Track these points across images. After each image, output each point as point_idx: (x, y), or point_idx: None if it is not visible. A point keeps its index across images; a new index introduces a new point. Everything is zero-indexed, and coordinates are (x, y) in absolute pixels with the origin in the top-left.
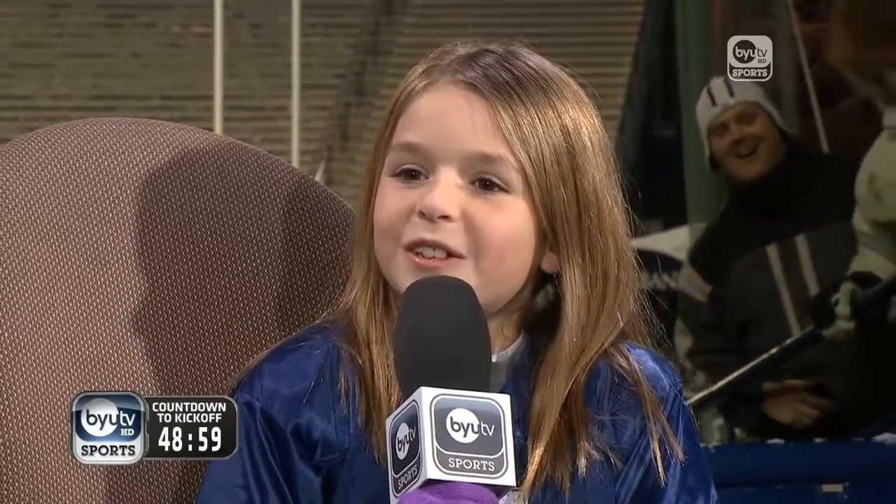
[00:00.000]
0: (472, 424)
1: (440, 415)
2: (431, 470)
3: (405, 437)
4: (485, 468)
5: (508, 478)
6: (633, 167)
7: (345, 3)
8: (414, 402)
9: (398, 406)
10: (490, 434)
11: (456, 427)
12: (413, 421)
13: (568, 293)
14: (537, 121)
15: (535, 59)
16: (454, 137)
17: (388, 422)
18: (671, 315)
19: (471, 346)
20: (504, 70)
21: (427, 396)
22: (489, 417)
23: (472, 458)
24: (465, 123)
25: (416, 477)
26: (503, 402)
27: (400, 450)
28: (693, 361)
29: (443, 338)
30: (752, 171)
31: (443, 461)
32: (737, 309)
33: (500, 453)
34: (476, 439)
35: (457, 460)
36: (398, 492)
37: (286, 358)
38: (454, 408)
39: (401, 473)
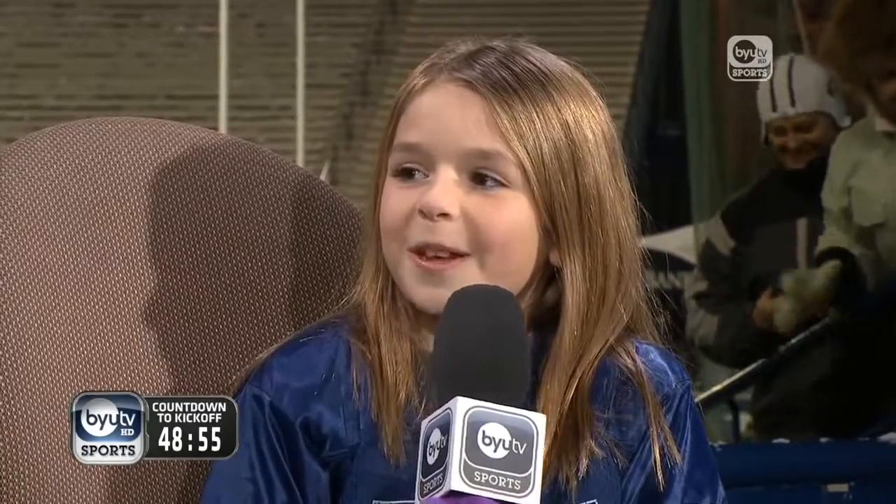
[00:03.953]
0: (503, 440)
1: (473, 427)
2: (456, 481)
3: (437, 443)
4: (510, 486)
5: (533, 499)
6: (637, 166)
7: (350, 2)
8: (448, 410)
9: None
10: (521, 452)
11: (487, 441)
12: (446, 428)
13: (568, 287)
14: (535, 116)
15: (537, 55)
16: (451, 135)
17: (423, 425)
18: (678, 314)
19: (510, 357)
20: (503, 67)
21: (462, 407)
22: (522, 435)
23: (498, 475)
24: (461, 120)
25: (440, 485)
26: (539, 421)
27: (430, 455)
28: (699, 303)
29: (483, 348)
30: (800, 162)
31: (469, 474)
32: (755, 268)
33: (528, 472)
34: (506, 456)
35: (483, 475)
36: (422, 496)
37: (296, 352)
38: (488, 421)
39: (428, 478)
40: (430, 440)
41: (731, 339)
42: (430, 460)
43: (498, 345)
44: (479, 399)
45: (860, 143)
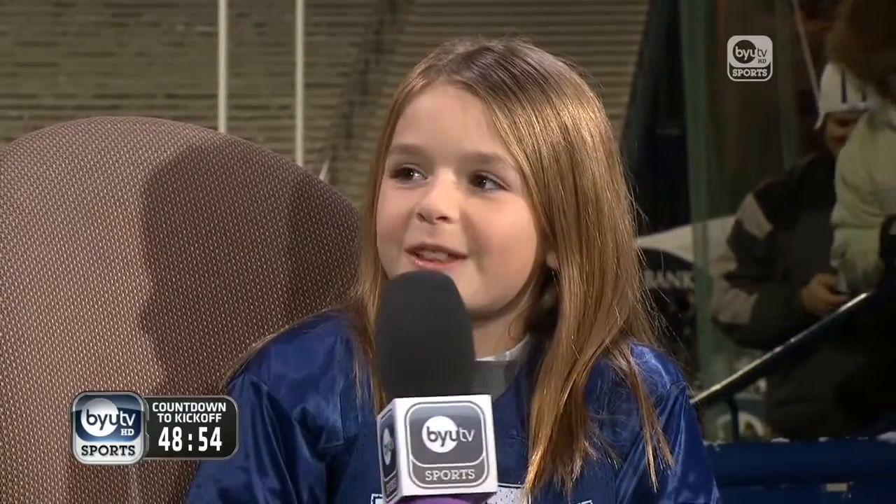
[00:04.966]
0: (450, 432)
1: (416, 426)
2: (407, 486)
3: (388, 444)
4: (464, 477)
5: (489, 484)
6: (637, 166)
7: (349, 1)
8: (391, 412)
9: None
10: (470, 439)
11: (433, 437)
12: (392, 429)
13: (566, 290)
14: (534, 119)
15: (534, 56)
16: (451, 138)
17: (378, 422)
18: (679, 314)
19: (449, 345)
20: (501, 69)
21: (401, 408)
22: (468, 422)
23: (450, 469)
24: (461, 124)
25: (395, 490)
26: (483, 403)
27: (385, 455)
28: (730, 281)
29: (419, 338)
30: None
31: (419, 475)
32: (793, 255)
33: (480, 459)
34: (455, 447)
35: (434, 472)
36: (388, 496)
37: (295, 341)
38: (431, 416)
39: (387, 479)
40: (384, 440)
41: (772, 317)
42: (387, 461)
43: (436, 334)
44: (421, 391)
45: (872, 135)
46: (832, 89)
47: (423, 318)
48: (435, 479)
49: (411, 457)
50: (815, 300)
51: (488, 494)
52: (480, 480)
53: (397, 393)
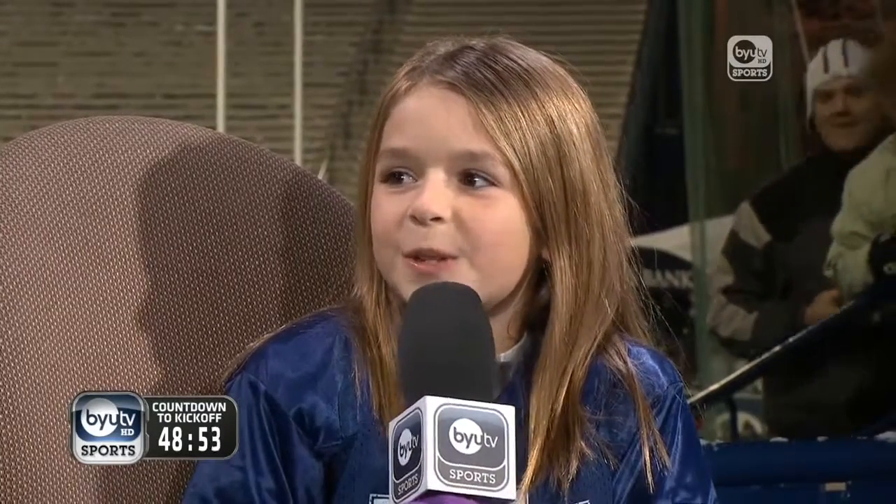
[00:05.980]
0: (475, 435)
1: (444, 425)
2: (432, 481)
3: (408, 443)
4: (486, 480)
5: (508, 491)
6: (635, 165)
7: (348, 1)
8: (418, 410)
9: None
10: (493, 446)
11: (459, 438)
12: (416, 429)
13: (558, 283)
14: (520, 114)
15: (517, 52)
16: (439, 138)
17: (391, 426)
18: (679, 313)
19: (475, 353)
20: (484, 66)
21: (431, 406)
22: (493, 429)
23: (473, 470)
24: (447, 123)
25: (416, 486)
26: (508, 413)
27: (402, 455)
28: (728, 297)
29: (447, 345)
30: (846, 142)
31: (444, 472)
32: (792, 267)
33: (501, 466)
34: (478, 451)
35: (458, 472)
36: (398, 498)
37: (293, 340)
38: (458, 418)
39: (401, 480)
40: (401, 441)
41: (774, 335)
42: (402, 461)
43: (463, 342)
44: (447, 397)
45: None
46: (815, 67)
47: (453, 324)
48: (458, 478)
49: (438, 453)
50: (822, 317)
51: (507, 502)
52: (500, 486)
53: (422, 395)
